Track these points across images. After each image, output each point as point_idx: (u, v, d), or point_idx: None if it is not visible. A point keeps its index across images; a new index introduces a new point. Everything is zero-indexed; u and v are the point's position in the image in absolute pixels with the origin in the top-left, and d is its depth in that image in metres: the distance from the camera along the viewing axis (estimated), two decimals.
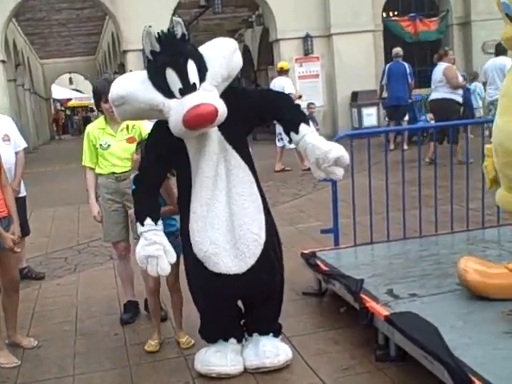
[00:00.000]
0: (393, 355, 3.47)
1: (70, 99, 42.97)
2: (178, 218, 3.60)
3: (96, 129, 4.45)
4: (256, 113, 3.36)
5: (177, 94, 3.09)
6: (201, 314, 3.60)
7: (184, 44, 3.17)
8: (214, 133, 3.25)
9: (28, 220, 5.93)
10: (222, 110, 3.09)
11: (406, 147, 9.73)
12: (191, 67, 3.11)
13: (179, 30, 3.15)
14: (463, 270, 3.54)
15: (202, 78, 3.13)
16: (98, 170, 4.45)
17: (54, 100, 41.43)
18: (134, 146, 4.10)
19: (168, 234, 3.43)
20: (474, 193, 5.17)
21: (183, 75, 3.08)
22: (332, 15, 15.25)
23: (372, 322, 3.59)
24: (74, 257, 6.47)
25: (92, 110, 42.03)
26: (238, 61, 3.32)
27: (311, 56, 15.54)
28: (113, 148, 4.36)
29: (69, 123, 39.84)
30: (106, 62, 30.60)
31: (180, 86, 3.08)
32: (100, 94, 4.30)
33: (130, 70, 14.00)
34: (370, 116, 14.59)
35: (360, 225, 4.98)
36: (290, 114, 3.32)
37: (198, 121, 3.03)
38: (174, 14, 15.62)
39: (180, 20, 3.19)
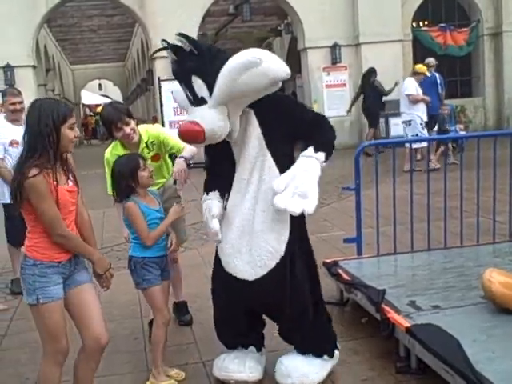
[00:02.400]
0: (413, 367, 3.42)
1: (98, 105, 43.51)
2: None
3: (115, 156, 3.94)
4: (292, 133, 3.28)
5: (191, 103, 3.18)
6: (214, 315, 3.58)
7: (190, 59, 3.13)
8: (257, 137, 3.24)
9: None
10: (211, 132, 3.07)
11: (432, 157, 9.84)
12: (197, 82, 3.11)
13: (186, 46, 3.13)
14: (488, 281, 3.48)
15: (211, 94, 3.08)
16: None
17: (84, 105, 42.00)
18: (159, 164, 4.15)
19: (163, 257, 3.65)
20: (501, 205, 5.08)
21: (190, 89, 3.14)
22: (360, 24, 15.20)
23: (393, 334, 3.55)
24: None
25: None
26: (247, 81, 2.97)
27: (339, 65, 15.49)
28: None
29: (97, 128, 40.32)
30: (135, 69, 30.94)
31: (190, 97, 3.15)
32: (110, 123, 3.95)
33: (158, 77, 14.12)
34: (398, 126, 14.46)
35: (383, 235, 4.93)
36: (316, 136, 3.24)
37: (183, 137, 3.14)
38: (202, 22, 15.75)
39: (183, 39, 3.15)
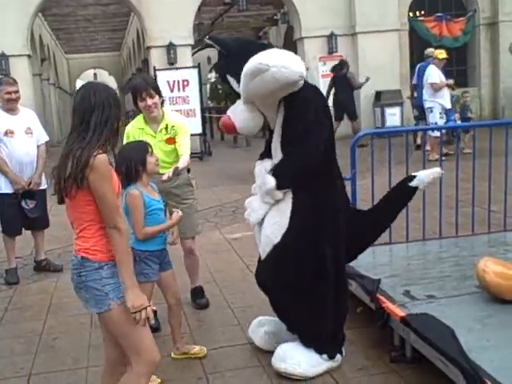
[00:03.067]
0: (408, 357, 3.43)
1: None
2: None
3: (136, 129, 4.30)
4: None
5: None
6: None
7: (222, 59, 3.47)
8: (278, 128, 3.36)
9: (48, 212, 5.97)
10: (241, 125, 3.40)
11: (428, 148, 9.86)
12: (231, 80, 3.42)
13: (216, 48, 3.42)
14: (482, 271, 3.49)
15: None
16: None
17: None
18: (172, 147, 4.26)
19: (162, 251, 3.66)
20: (496, 195, 5.08)
21: (229, 84, 3.47)
22: (357, 14, 15.15)
23: (388, 323, 3.55)
24: None
25: None
26: (258, 85, 3.12)
27: (335, 55, 15.44)
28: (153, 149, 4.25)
29: None
30: (131, 58, 30.81)
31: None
32: (135, 92, 4.17)
33: (154, 67, 14.07)
34: (394, 116, 14.46)
35: None
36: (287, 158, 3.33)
37: (222, 126, 3.49)
38: (198, 11, 15.67)
39: (210, 42, 3.43)
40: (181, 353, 3.77)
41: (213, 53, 28.77)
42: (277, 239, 3.34)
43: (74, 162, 2.48)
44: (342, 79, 12.45)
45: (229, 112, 3.41)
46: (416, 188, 3.61)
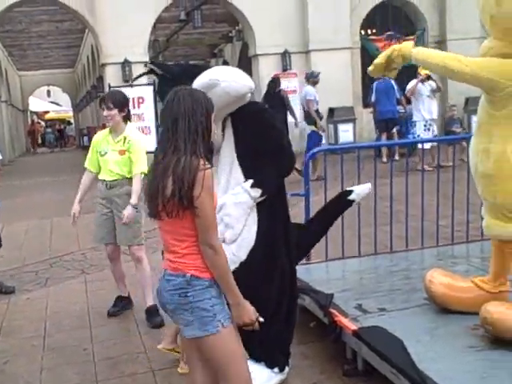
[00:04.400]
0: (360, 370, 3.49)
1: (47, 112, 42.73)
2: None
3: (101, 135, 4.77)
4: (256, 150, 3.37)
5: None
6: None
7: (165, 84, 3.45)
8: (229, 144, 3.37)
9: (0, 233, 5.87)
10: None
11: (396, 158, 10.40)
12: None
13: (159, 72, 3.53)
14: (429, 282, 3.59)
15: None
16: (99, 175, 4.77)
17: (31, 112, 41.16)
18: (123, 159, 4.55)
19: None
20: (444, 210, 5.23)
21: None
22: (310, 32, 15.40)
23: (341, 337, 3.61)
24: (45, 270, 6.41)
25: (69, 123, 41.83)
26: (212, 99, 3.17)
27: (289, 72, 15.65)
28: (108, 156, 4.66)
29: (46, 136, 39.52)
30: (85, 75, 30.51)
31: None
32: (101, 100, 4.63)
33: (109, 84, 13.99)
34: (346, 132, 14.73)
35: (332, 240, 5.00)
36: (263, 170, 3.33)
37: None
38: (153, 28, 15.68)
39: (153, 67, 3.64)
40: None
41: None
42: (244, 256, 3.31)
43: (180, 182, 2.32)
44: (276, 97, 12.23)
45: None
46: (352, 201, 3.71)
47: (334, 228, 4.99)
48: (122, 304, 4.98)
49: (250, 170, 3.36)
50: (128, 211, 4.45)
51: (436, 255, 4.89)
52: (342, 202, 3.80)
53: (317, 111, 11.09)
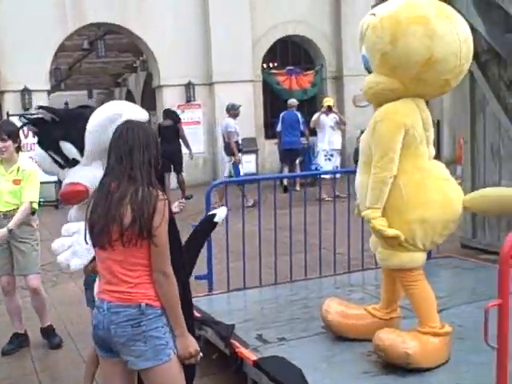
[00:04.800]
0: None
1: None
2: None
3: None
4: None
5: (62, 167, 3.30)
6: None
7: (54, 128, 3.27)
8: None
9: None
10: (94, 187, 3.16)
11: (298, 188, 11.06)
12: (65, 146, 3.25)
13: (47, 117, 3.26)
14: (325, 311, 3.71)
15: (83, 154, 3.24)
16: None
17: None
18: (18, 188, 4.53)
19: None
20: (341, 238, 5.44)
21: (59, 154, 3.26)
22: (213, 64, 15.62)
23: (242, 368, 3.65)
24: None
25: None
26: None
27: (193, 103, 15.77)
28: (1, 186, 4.59)
29: None
30: None
31: (61, 161, 3.28)
32: None
33: (7, 112, 13.53)
34: (249, 163, 14.95)
35: (234, 270, 5.07)
36: None
37: (68, 200, 3.28)
38: (55, 56, 15.37)
39: (42, 111, 3.30)
40: None
41: (70, 98, 28.16)
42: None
43: (140, 211, 2.36)
44: (171, 129, 11.95)
45: (71, 179, 3.24)
46: (216, 223, 3.78)
47: (236, 258, 5.10)
48: (18, 341, 4.80)
49: None
50: (1, 232, 4.42)
51: (334, 283, 5.06)
52: (208, 226, 3.87)
53: (237, 142, 11.32)
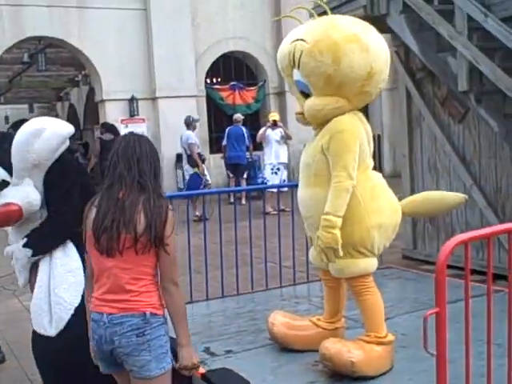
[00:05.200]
0: None
1: None
2: None
3: None
4: None
5: None
6: None
7: None
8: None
9: None
10: (28, 206, 3.23)
11: (244, 202, 11.24)
12: None
13: None
14: (271, 324, 3.77)
15: (11, 174, 3.24)
16: None
17: None
18: None
19: None
20: (287, 251, 5.52)
21: None
22: (157, 79, 15.60)
23: (191, 381, 3.66)
24: None
25: None
26: (41, 146, 3.22)
27: (137, 118, 15.69)
28: None
29: None
30: None
31: None
32: None
33: None
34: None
35: (181, 284, 5.06)
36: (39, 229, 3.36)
37: (3, 220, 3.25)
38: None
39: None
40: None
41: (10, 111, 27.49)
42: (77, 301, 3.25)
43: (153, 220, 2.40)
44: (111, 144, 11.88)
45: (4, 200, 3.23)
46: None
47: (182, 271, 5.09)
48: None
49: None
50: None
51: (280, 296, 5.13)
52: None
53: (199, 154, 11.57)
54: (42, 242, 3.30)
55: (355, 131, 3.38)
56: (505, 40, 5.13)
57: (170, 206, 2.51)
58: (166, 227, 2.45)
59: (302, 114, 3.52)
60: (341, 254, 3.23)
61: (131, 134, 2.67)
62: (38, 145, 3.19)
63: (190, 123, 11.93)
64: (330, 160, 3.35)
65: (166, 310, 2.58)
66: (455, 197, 4.04)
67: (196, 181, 11.24)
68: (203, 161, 11.77)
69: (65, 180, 3.33)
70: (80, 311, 3.13)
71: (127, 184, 2.50)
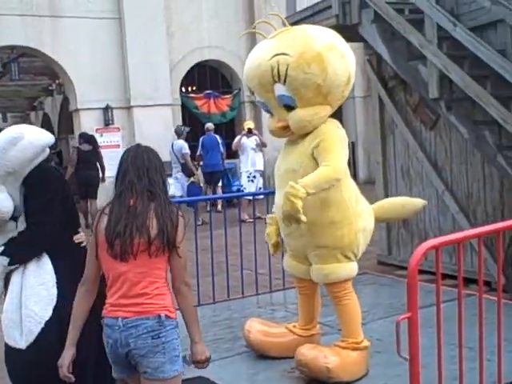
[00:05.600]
0: None
1: None
2: None
3: None
4: None
5: None
6: None
7: None
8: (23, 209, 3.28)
9: None
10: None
11: (220, 209, 11.05)
12: None
13: None
14: (247, 331, 3.80)
15: None
16: None
17: None
18: None
19: None
20: (262, 259, 5.54)
21: None
22: (132, 88, 15.53)
23: None
24: None
25: None
26: (18, 154, 3.16)
27: (112, 127, 15.61)
28: None
29: None
30: None
31: None
32: None
33: None
34: (170, 186, 14.99)
35: None
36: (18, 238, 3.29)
37: None
38: None
39: None
40: None
41: None
42: (48, 315, 3.16)
43: (165, 225, 2.53)
44: (90, 154, 11.67)
45: None
46: None
47: None
48: None
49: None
50: None
51: (256, 303, 5.15)
52: None
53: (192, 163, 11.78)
54: (19, 251, 3.23)
55: (342, 135, 3.49)
56: (473, 48, 5.22)
57: (180, 212, 2.63)
58: (177, 232, 2.57)
59: (281, 127, 3.54)
60: (303, 219, 3.12)
61: (139, 145, 2.80)
62: (13, 152, 3.14)
63: (180, 133, 12.06)
64: (321, 157, 3.34)
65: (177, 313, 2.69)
66: (415, 202, 4.13)
67: (195, 191, 11.28)
68: (197, 169, 11.98)
69: (45, 190, 3.25)
70: (50, 324, 3.12)
71: (138, 192, 2.61)
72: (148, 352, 2.52)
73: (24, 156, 3.17)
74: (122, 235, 2.54)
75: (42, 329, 3.14)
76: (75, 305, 2.74)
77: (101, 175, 11.70)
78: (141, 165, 2.65)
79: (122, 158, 2.74)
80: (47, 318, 3.16)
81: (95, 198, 11.60)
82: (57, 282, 3.21)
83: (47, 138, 3.30)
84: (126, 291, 2.57)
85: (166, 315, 2.56)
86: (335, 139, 3.42)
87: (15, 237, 3.27)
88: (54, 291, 3.18)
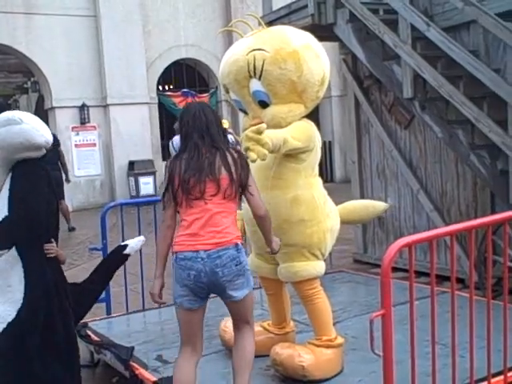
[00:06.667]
0: None
1: None
2: None
3: None
4: None
5: None
6: None
7: None
8: (3, 196, 3.18)
9: None
10: None
11: None
12: None
13: None
14: (222, 331, 3.82)
15: None
16: None
17: None
18: None
19: None
20: None
21: None
22: (108, 86, 15.45)
23: None
24: None
25: None
26: (4, 134, 3.08)
27: (88, 125, 15.49)
28: None
29: None
30: None
31: None
32: None
33: None
34: (147, 185, 14.92)
35: (133, 292, 5.05)
36: None
37: None
38: None
39: None
40: None
41: None
42: (11, 316, 3.11)
43: (237, 168, 2.90)
44: (53, 154, 11.38)
45: None
46: (129, 255, 3.82)
47: (134, 280, 5.06)
48: None
49: None
50: None
51: None
52: (118, 257, 3.86)
53: None
54: None
55: (313, 130, 3.50)
56: (446, 49, 5.29)
57: (242, 155, 2.96)
58: (245, 173, 2.94)
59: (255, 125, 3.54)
60: (270, 144, 2.98)
61: (193, 105, 3.12)
62: (2, 131, 3.06)
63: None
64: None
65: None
66: (377, 206, 4.18)
67: None
68: None
69: (28, 185, 3.15)
70: (11, 327, 3.08)
71: (204, 150, 2.92)
72: (234, 277, 2.89)
73: (11, 140, 3.07)
74: (197, 180, 2.86)
75: (4, 329, 3.09)
76: (159, 240, 3.06)
77: (64, 176, 11.03)
78: (200, 125, 2.95)
79: (181, 119, 3.03)
80: (10, 320, 3.11)
81: (63, 198, 10.96)
82: (25, 286, 3.14)
83: (41, 138, 3.14)
84: (204, 225, 2.88)
85: (241, 242, 2.95)
86: (302, 127, 3.44)
87: None
88: (20, 296, 3.13)
